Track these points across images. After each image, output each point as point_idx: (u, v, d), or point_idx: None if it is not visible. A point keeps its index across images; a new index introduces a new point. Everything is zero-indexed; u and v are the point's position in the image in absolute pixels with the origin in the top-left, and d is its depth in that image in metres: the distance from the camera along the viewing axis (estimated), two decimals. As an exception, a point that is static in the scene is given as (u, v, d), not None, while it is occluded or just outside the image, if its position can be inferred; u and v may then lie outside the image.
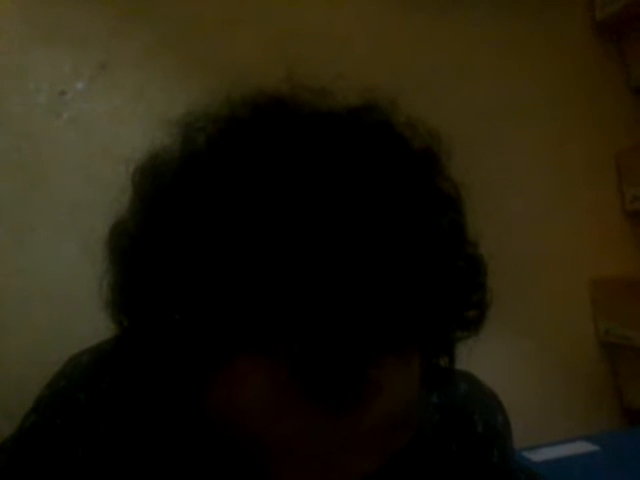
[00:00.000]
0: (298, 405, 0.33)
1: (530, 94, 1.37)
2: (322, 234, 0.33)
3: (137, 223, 0.39)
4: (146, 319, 0.37)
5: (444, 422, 0.52)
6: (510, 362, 1.29)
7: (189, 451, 0.39)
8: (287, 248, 0.33)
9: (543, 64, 1.38)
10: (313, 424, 0.34)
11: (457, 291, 0.38)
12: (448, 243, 0.38)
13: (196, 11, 1.17)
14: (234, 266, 0.33)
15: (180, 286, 0.35)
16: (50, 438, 0.47)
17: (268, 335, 0.33)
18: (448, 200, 0.40)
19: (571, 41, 1.43)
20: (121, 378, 0.45)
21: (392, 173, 0.37)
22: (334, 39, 1.23)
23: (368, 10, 1.28)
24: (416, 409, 0.38)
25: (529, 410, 1.20)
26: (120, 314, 0.39)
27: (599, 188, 1.42)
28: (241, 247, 0.34)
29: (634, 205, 1.40)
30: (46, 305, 1.06)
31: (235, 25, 1.19)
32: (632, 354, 1.32)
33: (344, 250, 0.33)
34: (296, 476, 0.35)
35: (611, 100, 1.44)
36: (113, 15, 1.12)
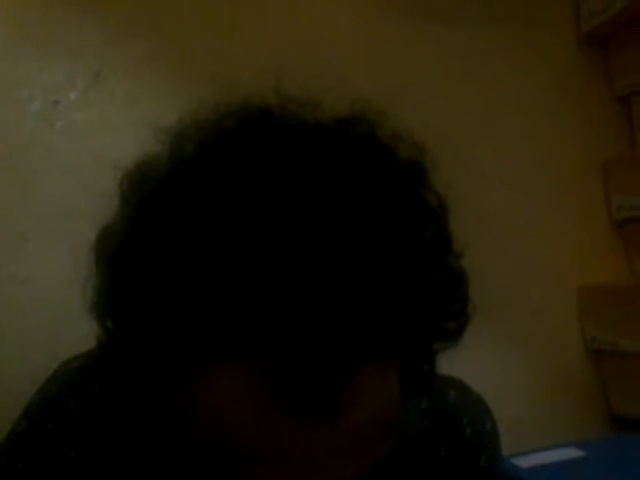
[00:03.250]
0: (272, 413, 0.33)
1: (517, 104, 1.38)
2: (302, 244, 0.34)
3: (123, 229, 0.39)
4: (129, 323, 0.37)
5: (433, 427, 0.52)
6: (498, 369, 1.29)
7: (176, 455, 0.39)
8: (267, 257, 0.33)
9: (530, 75, 1.40)
10: (288, 432, 0.34)
11: (436, 302, 0.38)
12: (429, 255, 0.38)
13: (189, 22, 1.18)
14: (215, 274, 0.34)
15: (162, 292, 0.35)
16: (41, 443, 0.47)
17: (244, 342, 0.33)
18: (432, 212, 0.40)
19: (557, 52, 1.44)
20: (109, 383, 0.46)
21: (376, 185, 0.37)
22: (325, 50, 1.24)
23: (359, 21, 1.29)
24: (396, 417, 0.38)
25: (517, 416, 1.21)
26: (104, 318, 0.40)
27: (586, 197, 1.44)
28: (222, 256, 0.34)
29: (620, 214, 1.42)
30: (38, 312, 1.06)
31: (228, 35, 1.19)
32: (618, 360, 1.33)
33: (323, 260, 0.33)
34: None
35: (597, 110, 1.45)
36: (107, 25, 1.13)
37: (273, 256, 0.33)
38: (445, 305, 0.39)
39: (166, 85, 1.14)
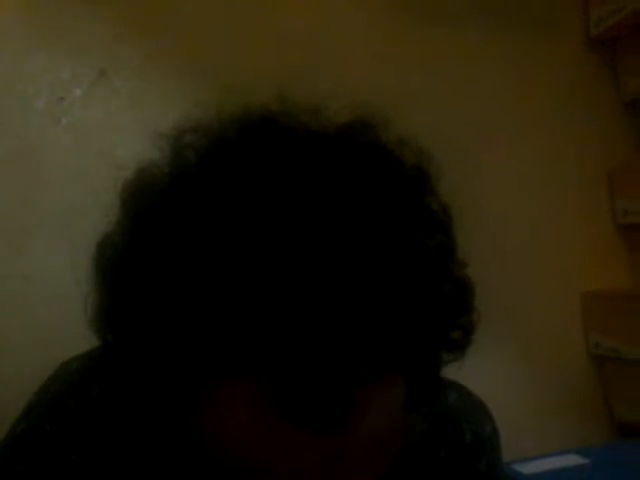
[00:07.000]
0: (282, 430, 0.33)
1: (524, 109, 1.38)
2: (307, 259, 0.33)
3: (123, 240, 0.39)
4: (130, 338, 0.37)
5: (432, 430, 0.52)
6: (501, 374, 1.29)
7: (180, 464, 0.39)
8: (272, 272, 0.33)
9: (537, 79, 1.40)
10: (298, 448, 0.34)
11: (443, 315, 0.38)
12: (435, 267, 0.38)
13: (196, 20, 1.18)
14: (218, 290, 0.33)
15: (164, 307, 0.35)
16: (41, 444, 0.46)
17: (252, 361, 0.33)
18: (437, 221, 0.40)
19: (565, 56, 1.44)
20: (109, 389, 0.45)
21: (380, 194, 0.37)
22: (334, 51, 1.24)
23: (370, 24, 1.29)
24: (402, 427, 0.38)
25: (519, 422, 1.20)
26: (105, 331, 0.39)
27: (591, 202, 1.43)
28: (226, 271, 0.34)
29: (625, 219, 1.41)
30: (43, 310, 1.06)
31: (235, 34, 1.19)
32: (622, 367, 1.33)
33: (328, 275, 0.33)
34: None
35: (604, 115, 1.45)
36: (113, 22, 1.13)
37: (279, 272, 0.33)
38: (453, 317, 0.39)
39: (171, 83, 1.15)
